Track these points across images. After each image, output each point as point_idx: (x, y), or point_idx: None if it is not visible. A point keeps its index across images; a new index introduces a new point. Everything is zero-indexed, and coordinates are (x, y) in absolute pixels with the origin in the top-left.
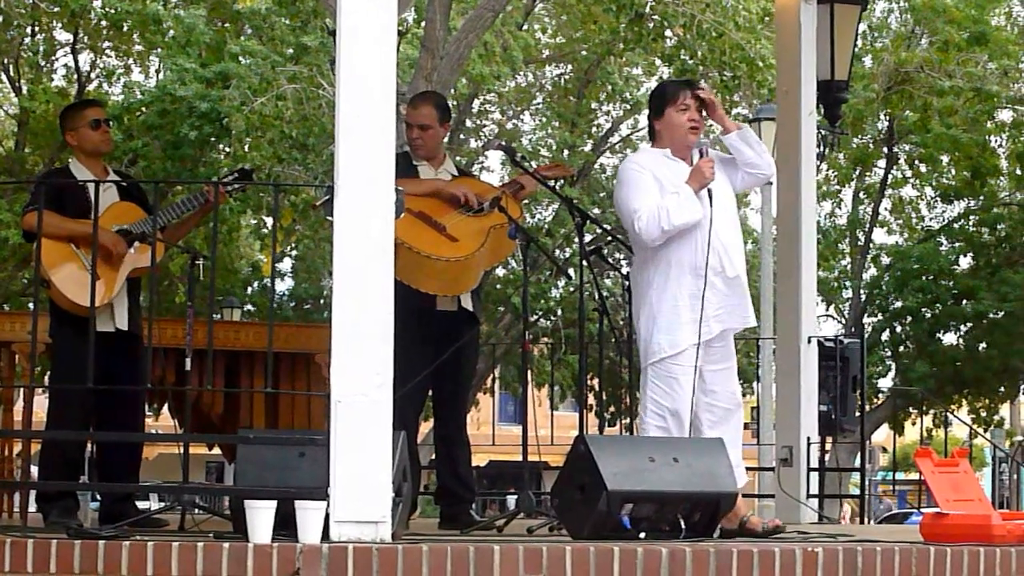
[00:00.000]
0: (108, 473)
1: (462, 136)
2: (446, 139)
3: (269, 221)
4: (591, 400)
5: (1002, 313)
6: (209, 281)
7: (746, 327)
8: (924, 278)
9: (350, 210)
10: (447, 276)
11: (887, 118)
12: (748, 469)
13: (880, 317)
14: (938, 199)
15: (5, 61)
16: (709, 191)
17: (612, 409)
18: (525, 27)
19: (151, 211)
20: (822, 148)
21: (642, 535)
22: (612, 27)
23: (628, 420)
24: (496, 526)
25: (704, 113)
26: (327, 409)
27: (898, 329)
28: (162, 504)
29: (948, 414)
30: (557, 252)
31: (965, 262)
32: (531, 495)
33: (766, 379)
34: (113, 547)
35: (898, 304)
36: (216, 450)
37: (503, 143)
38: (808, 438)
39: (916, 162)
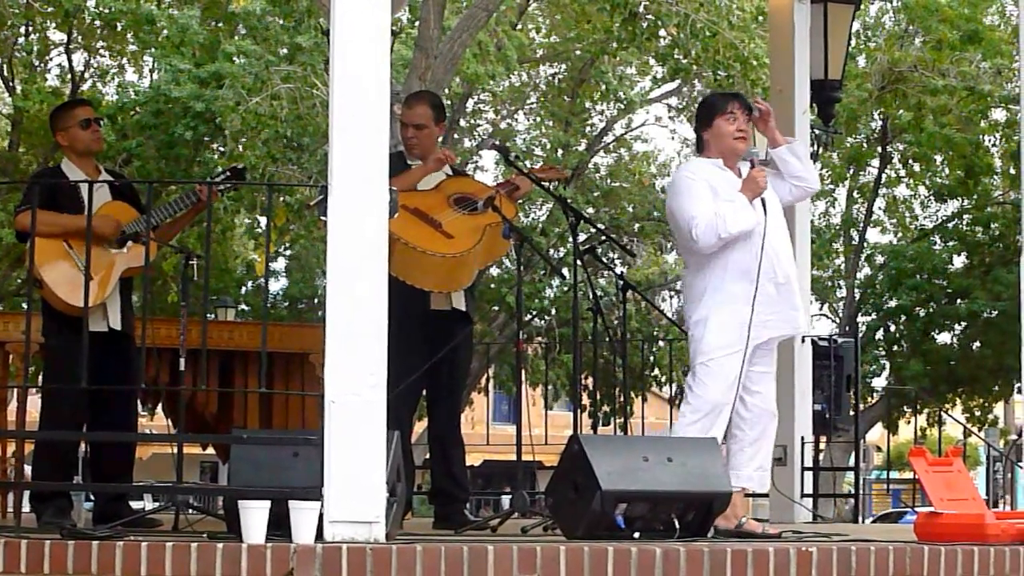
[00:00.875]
0: (102, 473)
1: (456, 136)
2: (440, 139)
3: (263, 221)
4: (585, 400)
5: (996, 312)
6: (203, 281)
7: (797, 334)
8: (918, 277)
9: (344, 210)
10: (442, 272)
11: (881, 117)
12: None
13: (874, 316)
14: (932, 198)
15: None
16: (763, 200)
17: (606, 408)
18: (519, 26)
19: (143, 210)
20: (816, 147)
21: (636, 535)
22: (606, 26)
23: (622, 420)
24: (490, 526)
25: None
26: (321, 409)
27: (892, 328)
28: (156, 504)
29: (942, 413)
30: (551, 251)
31: (959, 261)
32: (525, 495)
33: None
34: (107, 547)
35: (892, 303)
36: (210, 450)
37: (497, 143)
38: (802, 437)
39: (910, 161)
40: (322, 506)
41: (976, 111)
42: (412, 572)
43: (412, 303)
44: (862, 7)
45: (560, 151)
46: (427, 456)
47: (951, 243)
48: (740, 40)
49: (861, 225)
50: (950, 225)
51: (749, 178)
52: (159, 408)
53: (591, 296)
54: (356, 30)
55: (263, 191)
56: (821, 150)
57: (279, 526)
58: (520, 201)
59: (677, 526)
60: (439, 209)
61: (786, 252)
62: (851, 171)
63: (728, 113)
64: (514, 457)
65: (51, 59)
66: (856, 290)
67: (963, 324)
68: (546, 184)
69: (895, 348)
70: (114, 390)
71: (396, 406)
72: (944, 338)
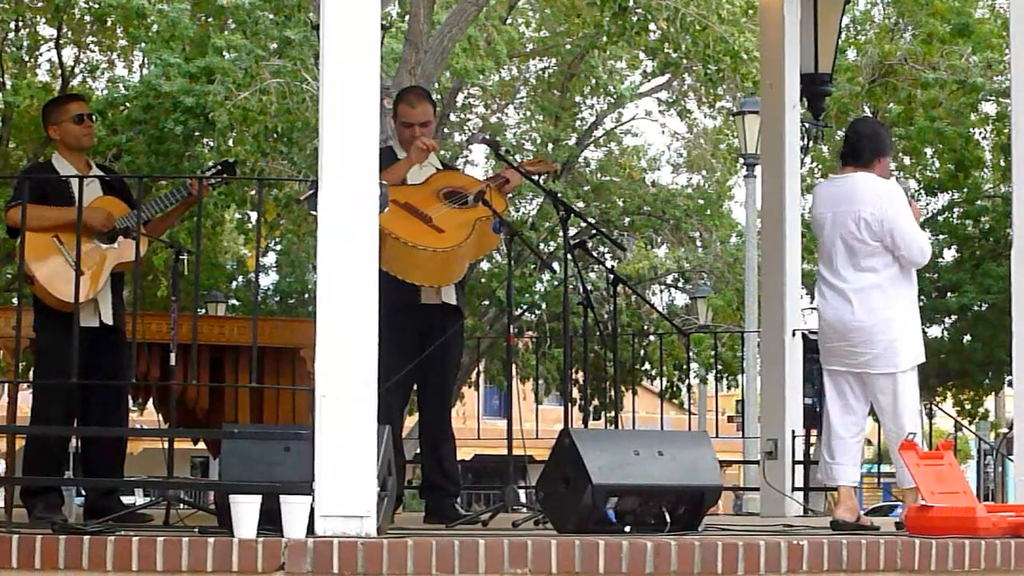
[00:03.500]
0: (93, 468)
1: (446, 130)
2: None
3: (253, 215)
4: (576, 394)
5: (986, 306)
6: (193, 276)
7: None
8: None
9: (334, 204)
10: (433, 267)
11: (871, 111)
12: (733, 462)
13: None
14: (922, 191)
15: None
16: None
17: (597, 403)
18: (509, 21)
19: (134, 205)
20: (806, 141)
21: (627, 528)
22: (596, 21)
23: (613, 414)
24: (481, 520)
25: None
26: (312, 404)
27: None
28: (147, 499)
29: (933, 406)
30: (541, 246)
31: (949, 255)
32: (516, 489)
33: (751, 372)
34: (98, 542)
35: None
36: (201, 445)
37: (487, 137)
38: (793, 431)
39: (900, 154)
40: (313, 500)
41: (966, 104)
42: (403, 566)
43: (403, 297)
44: (852, 0)
45: (550, 145)
46: (418, 450)
47: (941, 236)
48: (730, 34)
49: None
50: (940, 218)
51: (915, 211)
52: (150, 403)
53: (581, 290)
54: (346, 24)
55: (253, 186)
56: (811, 144)
57: (270, 521)
58: (510, 195)
59: (668, 520)
60: (429, 203)
61: None
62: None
63: (891, 146)
64: (505, 451)
65: (41, 54)
66: None
67: (953, 317)
68: (536, 177)
69: None
70: (105, 385)
71: (387, 400)
72: (935, 331)
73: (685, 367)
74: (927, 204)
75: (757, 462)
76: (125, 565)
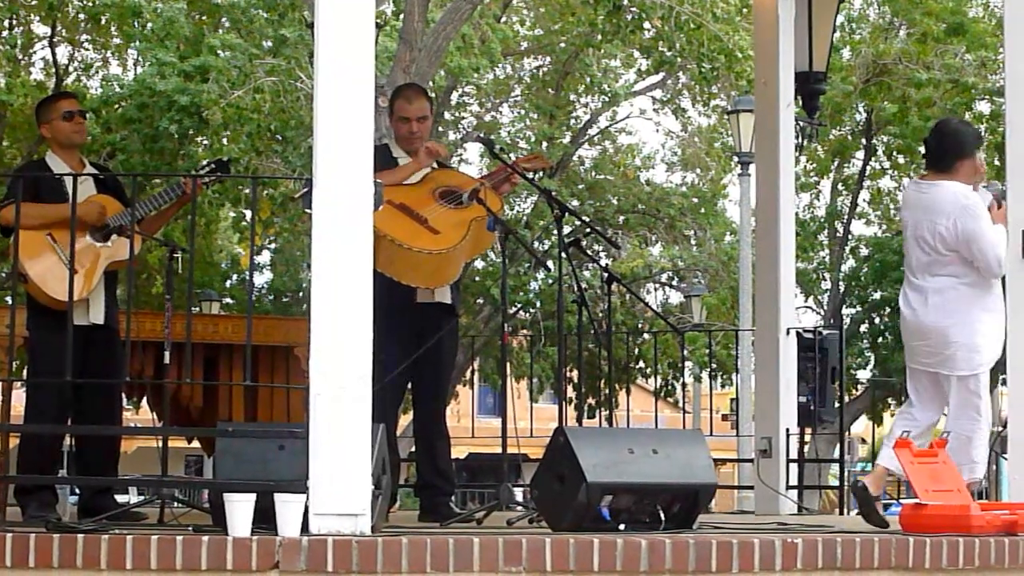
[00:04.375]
0: (87, 467)
1: (440, 128)
2: None
3: (248, 214)
4: (570, 392)
5: None
6: (187, 274)
7: None
8: (902, 269)
9: (329, 203)
10: (429, 268)
11: (865, 110)
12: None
13: (859, 308)
14: None
15: None
16: None
17: (591, 401)
18: (503, 19)
19: (128, 204)
20: (800, 139)
21: (622, 527)
22: (590, 19)
23: (607, 412)
24: (476, 518)
25: None
26: (306, 402)
27: (877, 320)
28: (141, 497)
29: None
30: (536, 244)
31: None
32: (511, 487)
33: (745, 370)
34: (92, 541)
35: (877, 295)
36: (195, 443)
37: (482, 135)
38: (787, 429)
39: (894, 153)
40: (307, 499)
41: (960, 103)
42: (398, 565)
43: (397, 296)
44: None
45: (544, 144)
46: (412, 449)
47: None
48: (725, 32)
49: (846, 217)
50: None
51: (1001, 214)
52: (144, 401)
53: (576, 289)
54: (341, 22)
55: (248, 184)
56: (806, 142)
57: (265, 519)
58: (505, 194)
59: (663, 518)
60: (425, 204)
61: None
62: (836, 163)
63: (978, 147)
64: (499, 450)
65: (35, 52)
66: (841, 282)
67: None
68: (531, 175)
69: (880, 340)
70: (98, 384)
71: (381, 399)
72: None
73: (679, 365)
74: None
75: (751, 460)
76: (119, 564)
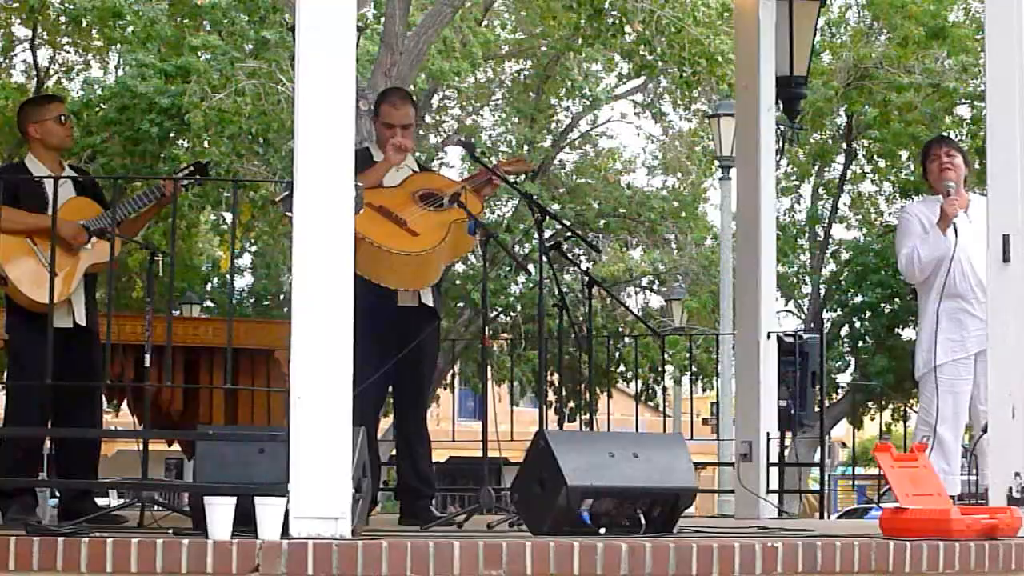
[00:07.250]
0: (67, 470)
1: (422, 132)
2: None
3: (228, 217)
4: (551, 396)
5: None
6: (168, 277)
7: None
8: (883, 273)
9: (309, 206)
10: (408, 270)
11: (846, 114)
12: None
13: (839, 312)
14: (897, 194)
15: None
16: (954, 225)
17: (572, 405)
18: (484, 23)
19: (107, 206)
20: (781, 143)
21: (602, 530)
22: (571, 23)
23: (588, 416)
24: (456, 522)
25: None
26: (287, 405)
27: (857, 324)
28: (121, 500)
29: (907, 409)
30: (516, 248)
31: None
32: (491, 491)
33: (726, 374)
34: (72, 544)
35: (857, 299)
36: (176, 446)
37: (463, 139)
38: (767, 433)
39: (875, 157)
40: (288, 502)
41: (941, 108)
42: (378, 568)
43: (379, 299)
44: (827, 3)
45: (526, 147)
46: (393, 452)
47: None
48: (705, 36)
49: (826, 221)
50: None
51: (941, 208)
52: (124, 405)
53: (557, 292)
54: (322, 26)
55: (228, 187)
56: (786, 146)
57: (245, 522)
58: (487, 197)
59: (643, 522)
60: (404, 206)
61: (979, 271)
62: (816, 167)
63: (933, 156)
64: (480, 453)
65: (16, 55)
66: (821, 286)
67: None
68: (512, 179)
69: (860, 344)
70: (79, 386)
71: (362, 402)
72: (909, 334)
73: (660, 369)
74: (902, 207)
75: (732, 464)
76: (99, 567)
